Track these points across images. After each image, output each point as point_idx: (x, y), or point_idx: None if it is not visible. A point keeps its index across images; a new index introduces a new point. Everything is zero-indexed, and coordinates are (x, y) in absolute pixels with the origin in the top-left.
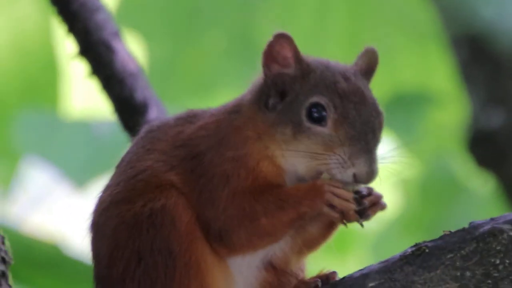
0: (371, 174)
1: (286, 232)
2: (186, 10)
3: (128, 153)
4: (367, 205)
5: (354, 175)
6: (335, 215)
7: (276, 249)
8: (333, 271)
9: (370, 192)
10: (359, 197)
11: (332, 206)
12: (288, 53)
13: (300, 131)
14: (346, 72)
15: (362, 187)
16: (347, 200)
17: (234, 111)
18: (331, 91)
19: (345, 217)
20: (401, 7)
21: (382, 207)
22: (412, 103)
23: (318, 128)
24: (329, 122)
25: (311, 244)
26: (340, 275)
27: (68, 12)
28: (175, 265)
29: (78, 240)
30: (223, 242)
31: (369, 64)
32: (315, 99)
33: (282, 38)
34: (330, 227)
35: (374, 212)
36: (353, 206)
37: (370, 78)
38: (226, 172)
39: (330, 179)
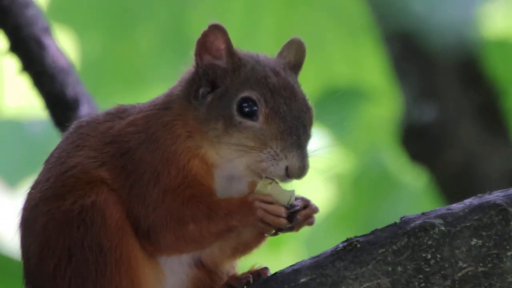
0: (303, 168)
1: (214, 242)
2: (118, 5)
3: (57, 149)
4: (300, 220)
5: (287, 168)
6: (269, 229)
7: (206, 252)
8: (265, 267)
9: (307, 204)
10: (292, 213)
11: (264, 222)
12: (221, 45)
13: (232, 125)
14: (276, 66)
15: (298, 201)
16: (278, 216)
17: (164, 107)
18: (262, 85)
19: (278, 230)
20: (333, 1)
21: (311, 223)
22: (345, 98)
23: (249, 123)
24: (261, 117)
25: (242, 249)
26: (274, 270)
27: None
28: (105, 262)
29: (10, 238)
30: (151, 241)
31: (297, 57)
32: (246, 93)
33: (216, 29)
34: (262, 234)
35: (303, 225)
36: (285, 222)
37: (298, 71)
38: (157, 170)
39: (263, 193)
